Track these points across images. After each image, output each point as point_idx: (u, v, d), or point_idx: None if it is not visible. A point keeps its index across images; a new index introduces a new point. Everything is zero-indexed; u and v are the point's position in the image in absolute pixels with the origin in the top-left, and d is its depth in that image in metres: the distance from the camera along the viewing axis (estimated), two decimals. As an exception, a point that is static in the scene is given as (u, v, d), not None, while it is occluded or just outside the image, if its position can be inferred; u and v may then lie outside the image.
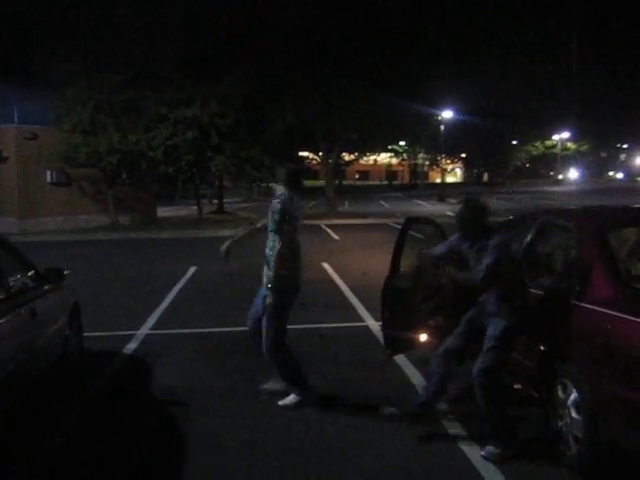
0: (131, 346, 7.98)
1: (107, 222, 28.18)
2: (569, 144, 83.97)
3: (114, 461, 4.79)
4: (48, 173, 27.61)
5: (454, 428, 5.19)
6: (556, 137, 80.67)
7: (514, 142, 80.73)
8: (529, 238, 5.57)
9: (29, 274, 6.23)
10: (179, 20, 27.06)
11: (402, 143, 71.57)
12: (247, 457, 4.78)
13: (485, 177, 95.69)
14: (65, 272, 6.79)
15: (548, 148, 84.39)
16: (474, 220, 5.04)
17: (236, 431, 5.27)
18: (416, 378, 6.48)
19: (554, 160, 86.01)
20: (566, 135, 78.75)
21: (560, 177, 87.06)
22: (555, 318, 4.71)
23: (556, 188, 67.02)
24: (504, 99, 56.08)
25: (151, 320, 9.46)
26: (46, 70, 25.30)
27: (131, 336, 8.42)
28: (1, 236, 6.43)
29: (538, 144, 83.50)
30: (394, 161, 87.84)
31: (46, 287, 6.33)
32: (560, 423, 4.52)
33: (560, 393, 4.53)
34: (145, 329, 8.92)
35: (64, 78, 25.53)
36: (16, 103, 27.61)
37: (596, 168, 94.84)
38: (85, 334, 7.52)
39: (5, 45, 26.55)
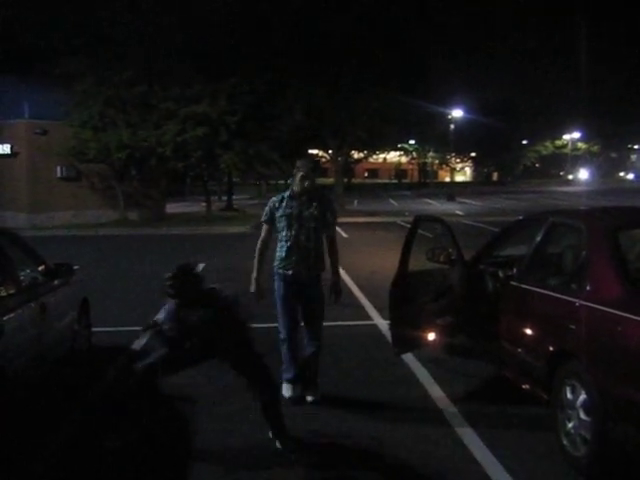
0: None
1: (116, 218, 28.25)
2: (579, 144, 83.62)
3: (120, 456, 4.80)
4: (58, 168, 27.70)
5: (463, 429, 5.17)
6: (566, 137, 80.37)
7: (524, 141, 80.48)
8: (539, 238, 5.55)
9: (39, 269, 6.26)
10: (188, 16, 27.07)
11: (412, 142, 71.48)
12: (253, 454, 4.79)
13: (495, 176, 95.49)
14: (75, 267, 6.82)
15: (558, 148, 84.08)
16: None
17: (242, 428, 5.27)
18: (423, 376, 6.47)
19: (564, 160, 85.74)
20: (576, 135, 78.44)
21: (570, 177, 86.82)
22: (564, 319, 4.69)
23: (566, 188, 66.78)
24: (514, 98, 55.93)
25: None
26: (56, 65, 25.35)
27: (139, 332, 8.41)
28: (11, 231, 6.46)
29: (548, 144, 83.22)
30: (403, 159, 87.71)
31: (56, 282, 6.36)
32: (569, 424, 4.51)
33: (569, 394, 4.52)
34: (154, 325, 8.91)
35: (74, 73, 25.59)
36: (27, 98, 27.68)
37: (606, 169, 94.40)
38: (94, 329, 7.54)
39: (16, 40, 26.61)
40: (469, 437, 4.98)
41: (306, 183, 5.63)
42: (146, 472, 4.58)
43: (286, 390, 5.77)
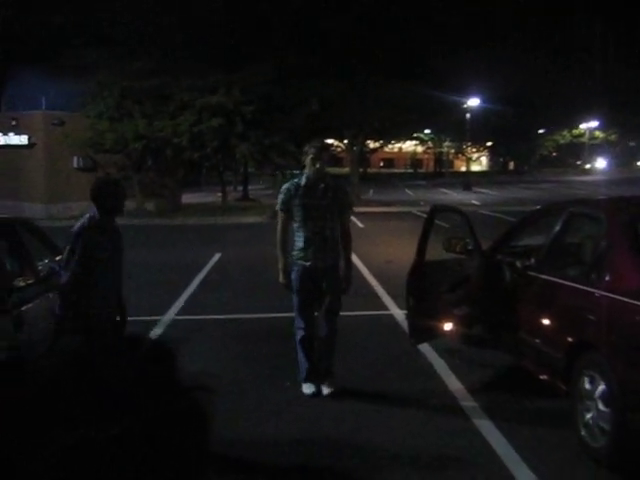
0: (157, 331, 8.04)
1: (132, 208, 28.35)
2: (597, 133, 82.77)
3: (136, 445, 4.83)
4: (75, 159, 27.83)
5: (480, 420, 5.15)
6: (584, 126, 79.55)
7: (541, 130, 79.81)
8: (557, 228, 5.50)
9: (57, 259, 6.29)
10: (203, 7, 27.04)
11: (427, 131, 71.13)
12: (269, 445, 4.80)
13: (511, 166, 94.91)
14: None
15: (575, 137, 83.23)
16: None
17: (259, 418, 5.29)
18: (440, 366, 6.45)
19: (581, 149, 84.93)
20: (594, 124, 77.62)
21: (587, 166, 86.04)
22: (583, 309, 4.66)
23: (583, 177, 66.32)
24: (531, 87, 55.39)
25: (176, 306, 9.52)
26: (73, 56, 25.46)
27: (156, 321, 8.48)
28: (29, 221, 6.49)
29: (565, 133, 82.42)
30: (419, 149, 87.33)
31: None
32: (587, 415, 4.48)
33: (587, 385, 4.48)
34: (170, 314, 8.97)
35: (90, 64, 25.67)
36: (44, 89, 27.85)
37: (624, 158, 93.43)
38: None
39: (33, 31, 26.74)
40: (487, 429, 4.96)
41: (317, 164, 5.50)
42: (146, 469, 4.56)
43: (306, 388, 5.72)
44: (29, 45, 27.30)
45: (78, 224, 4.93)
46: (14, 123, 27.89)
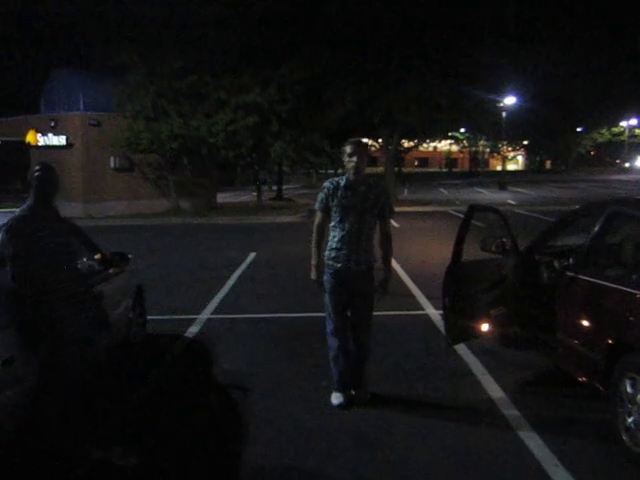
0: (193, 330, 8.09)
1: (168, 207, 28.62)
2: (637, 131, 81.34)
3: (174, 444, 4.87)
4: (111, 159, 28.17)
5: (519, 425, 5.08)
6: (623, 124, 78.26)
7: (579, 129, 78.73)
8: (597, 228, 5.41)
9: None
10: (238, 6, 27.13)
11: (462, 130, 70.61)
12: (307, 443, 4.80)
13: (548, 165, 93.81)
14: (129, 256, 6.91)
15: (615, 135, 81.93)
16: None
17: (297, 416, 5.30)
18: (477, 367, 6.39)
19: (621, 147, 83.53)
20: (634, 122, 76.28)
21: (626, 165, 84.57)
22: (624, 310, 4.57)
23: (622, 176, 65.15)
24: (569, 85, 54.62)
25: (212, 304, 9.58)
26: (109, 57, 25.73)
27: (193, 320, 8.54)
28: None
29: (604, 131, 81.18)
30: (454, 148, 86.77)
31: (111, 271, 6.46)
32: (628, 419, 4.39)
33: (629, 388, 4.40)
34: (206, 313, 9.03)
35: (126, 65, 25.92)
36: (81, 90, 28.21)
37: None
38: (148, 317, 7.66)
39: (70, 33, 27.12)
40: (525, 433, 4.89)
41: (355, 158, 5.31)
42: (206, 456, 4.61)
43: (334, 398, 5.56)
44: (68, 47, 27.70)
45: (16, 216, 4.55)
46: (53, 124, 28.34)
